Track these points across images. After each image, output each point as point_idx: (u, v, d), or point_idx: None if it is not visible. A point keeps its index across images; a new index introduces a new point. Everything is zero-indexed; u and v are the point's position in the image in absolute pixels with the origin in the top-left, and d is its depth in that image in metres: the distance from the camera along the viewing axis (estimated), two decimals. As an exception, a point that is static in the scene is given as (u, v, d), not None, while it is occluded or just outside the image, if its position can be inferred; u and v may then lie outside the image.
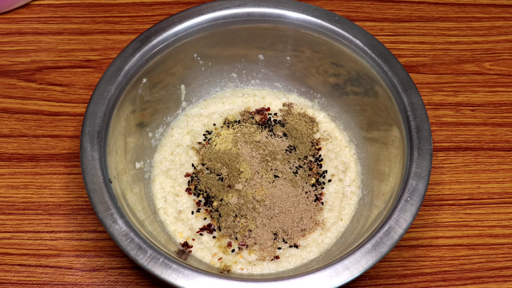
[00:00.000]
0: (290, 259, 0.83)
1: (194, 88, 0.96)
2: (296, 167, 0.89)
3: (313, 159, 0.92)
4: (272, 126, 0.94)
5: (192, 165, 0.90)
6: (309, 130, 0.94)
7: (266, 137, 0.92)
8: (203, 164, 0.90)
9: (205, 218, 0.86)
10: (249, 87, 0.99)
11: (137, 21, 1.07)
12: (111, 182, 0.77)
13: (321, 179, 0.90)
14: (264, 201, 0.85)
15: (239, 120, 0.95)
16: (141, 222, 0.78)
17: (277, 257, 0.83)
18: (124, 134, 0.85)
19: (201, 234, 0.85)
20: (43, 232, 0.87)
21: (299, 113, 0.96)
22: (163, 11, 1.08)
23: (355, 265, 0.71)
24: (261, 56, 0.95)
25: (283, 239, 0.84)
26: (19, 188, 0.90)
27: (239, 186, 0.86)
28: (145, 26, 1.05)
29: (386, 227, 0.74)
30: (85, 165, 0.76)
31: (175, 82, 0.93)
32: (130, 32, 1.05)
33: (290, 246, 0.84)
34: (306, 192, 0.87)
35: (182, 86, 0.94)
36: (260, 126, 0.94)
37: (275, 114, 0.96)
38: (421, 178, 0.77)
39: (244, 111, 0.96)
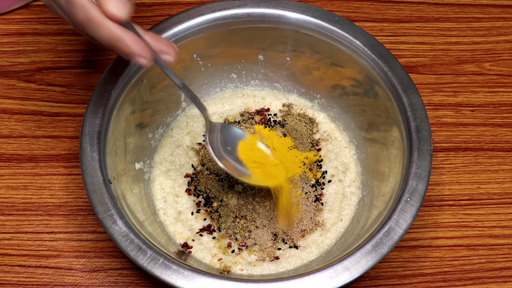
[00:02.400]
0: (290, 259, 0.83)
1: (193, 89, 0.95)
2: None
3: (313, 160, 0.92)
4: (272, 126, 0.94)
5: (192, 165, 0.90)
6: (309, 130, 0.94)
7: (266, 137, 0.92)
8: (203, 165, 0.90)
9: (205, 219, 0.86)
10: (249, 87, 0.99)
11: (136, 22, 1.05)
12: (110, 183, 0.77)
13: (321, 180, 0.90)
14: (264, 201, 0.85)
15: (239, 121, 0.95)
16: (141, 223, 0.78)
17: (277, 258, 0.83)
18: (123, 134, 0.85)
19: (201, 235, 0.85)
20: (42, 233, 0.87)
21: (299, 114, 0.96)
22: (162, 12, 1.08)
23: (355, 266, 0.71)
24: (261, 57, 0.95)
25: (283, 239, 0.84)
26: (18, 189, 0.90)
27: (239, 187, 0.86)
28: (144, 27, 1.05)
29: (386, 228, 0.74)
30: (85, 166, 0.76)
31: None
32: (130, 32, 1.05)
33: (290, 247, 0.84)
34: (306, 193, 0.87)
35: (182, 87, 0.94)
36: (260, 127, 0.94)
37: (275, 114, 0.96)
38: (421, 178, 0.77)
39: (244, 111, 0.96)
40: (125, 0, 0.68)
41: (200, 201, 0.87)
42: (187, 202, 0.87)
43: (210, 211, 0.86)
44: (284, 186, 0.82)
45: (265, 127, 0.94)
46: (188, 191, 0.88)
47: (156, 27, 0.87)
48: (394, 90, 0.84)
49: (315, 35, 0.89)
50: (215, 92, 0.98)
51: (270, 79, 0.98)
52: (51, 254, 0.86)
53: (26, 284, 0.84)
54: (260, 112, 0.96)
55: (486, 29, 1.09)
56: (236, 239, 0.84)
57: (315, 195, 0.88)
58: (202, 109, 0.80)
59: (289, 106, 0.97)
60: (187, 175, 0.90)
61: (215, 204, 0.87)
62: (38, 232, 0.87)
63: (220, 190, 0.87)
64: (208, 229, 0.85)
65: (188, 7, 0.91)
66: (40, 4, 1.07)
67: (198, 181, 0.89)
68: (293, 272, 0.81)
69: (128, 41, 0.68)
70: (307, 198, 0.87)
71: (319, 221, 0.86)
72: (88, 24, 0.67)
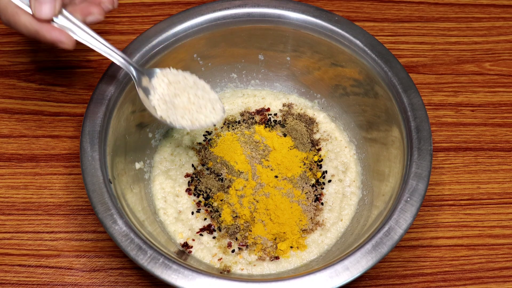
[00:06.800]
0: (290, 259, 0.83)
1: (194, 89, 0.95)
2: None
3: (313, 160, 0.92)
4: (272, 126, 0.94)
5: (192, 165, 0.90)
6: (309, 130, 0.94)
7: (266, 137, 0.92)
8: (203, 165, 0.90)
9: (205, 219, 0.86)
10: (249, 87, 0.99)
11: (137, 22, 1.07)
12: (111, 183, 0.77)
13: (321, 180, 0.90)
14: (264, 201, 0.85)
15: (239, 121, 0.95)
16: (141, 223, 0.78)
17: (277, 258, 0.83)
18: (124, 134, 0.85)
19: (201, 235, 0.85)
20: (43, 232, 0.87)
21: (299, 114, 0.96)
22: (163, 12, 1.08)
23: (355, 266, 0.71)
24: (261, 57, 0.95)
25: (283, 239, 0.84)
26: (19, 188, 0.90)
27: (239, 187, 0.86)
28: (145, 27, 1.05)
29: (386, 228, 0.74)
30: (85, 165, 0.76)
31: (175, 83, 0.93)
32: (130, 32, 1.05)
33: (290, 247, 0.84)
34: (306, 193, 0.87)
35: (182, 87, 0.94)
36: (260, 126, 0.94)
37: (275, 114, 0.96)
38: (421, 178, 0.77)
39: (244, 111, 0.96)
40: (51, 0, 0.73)
41: (200, 201, 0.88)
42: (187, 202, 0.88)
43: (210, 211, 0.86)
44: None
45: (265, 127, 0.94)
46: (188, 190, 0.88)
47: (156, 26, 0.87)
48: (394, 90, 0.84)
49: (315, 35, 0.89)
50: (215, 91, 0.97)
51: (270, 79, 0.98)
52: (51, 253, 0.86)
53: (26, 284, 0.84)
54: (260, 112, 0.96)
55: (486, 29, 1.09)
56: (236, 238, 0.84)
57: (315, 195, 0.88)
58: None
59: (289, 106, 0.97)
60: (187, 175, 0.90)
61: (215, 204, 0.87)
62: (38, 232, 0.88)
63: (220, 190, 0.87)
64: (208, 229, 0.85)
65: (188, 7, 0.91)
66: (40, 4, 1.07)
67: (198, 180, 0.89)
68: (293, 272, 0.81)
69: (45, 31, 0.73)
70: (307, 198, 0.87)
71: (319, 221, 0.86)
72: (9, 25, 0.75)
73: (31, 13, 0.73)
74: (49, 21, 0.74)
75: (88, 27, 0.76)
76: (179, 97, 0.79)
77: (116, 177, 0.80)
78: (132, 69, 0.79)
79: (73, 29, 0.75)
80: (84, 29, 0.76)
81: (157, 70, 0.80)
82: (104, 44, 0.77)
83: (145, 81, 0.79)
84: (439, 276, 0.86)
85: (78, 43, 0.75)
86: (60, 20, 0.74)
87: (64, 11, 0.75)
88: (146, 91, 0.79)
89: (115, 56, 0.78)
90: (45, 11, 0.72)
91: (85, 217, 0.89)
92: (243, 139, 0.91)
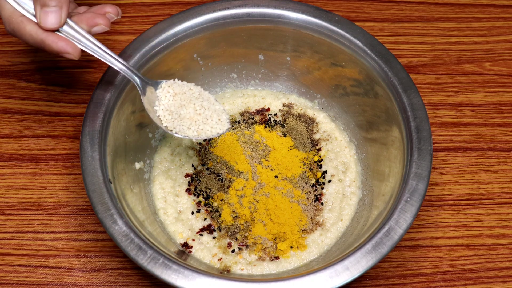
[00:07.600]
0: (290, 259, 0.83)
1: (194, 89, 0.95)
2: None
3: (313, 160, 0.92)
4: (272, 126, 0.94)
5: (192, 165, 0.90)
6: (309, 130, 0.94)
7: (266, 137, 0.92)
8: (203, 165, 0.90)
9: (205, 219, 0.86)
10: (249, 87, 0.99)
11: (137, 22, 1.07)
12: (111, 183, 0.77)
13: (321, 180, 0.90)
14: (264, 201, 0.85)
15: (239, 121, 0.95)
16: (141, 223, 0.78)
17: (277, 258, 0.83)
18: (124, 134, 0.85)
19: (201, 235, 0.85)
20: (43, 232, 0.87)
21: (299, 114, 0.96)
22: (163, 12, 1.08)
23: (355, 266, 0.71)
24: (261, 57, 0.95)
25: (283, 239, 0.84)
26: (19, 188, 0.90)
27: (239, 187, 0.86)
28: (145, 27, 1.05)
29: (386, 228, 0.74)
30: (85, 165, 0.76)
31: (175, 83, 0.92)
32: (130, 32, 1.05)
33: (290, 247, 0.84)
34: (306, 193, 0.87)
35: (182, 87, 0.94)
36: (260, 127, 0.94)
37: (275, 114, 0.96)
38: (421, 178, 0.77)
39: (244, 111, 0.96)
40: (56, 9, 0.73)
41: (200, 201, 0.88)
42: (187, 202, 0.88)
43: (210, 211, 0.87)
44: None
45: (265, 127, 0.94)
46: (188, 190, 0.88)
47: (156, 26, 0.87)
48: (394, 90, 0.84)
49: (316, 35, 0.89)
50: (215, 92, 0.98)
51: (270, 79, 0.98)
52: (51, 253, 0.86)
53: (26, 284, 0.84)
54: (260, 112, 0.96)
55: (486, 29, 1.09)
56: (236, 238, 0.84)
57: (315, 195, 0.88)
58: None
59: (289, 106, 0.97)
60: (187, 175, 0.90)
61: (215, 204, 0.87)
62: (38, 232, 0.88)
63: (220, 190, 0.87)
64: (208, 229, 0.85)
65: (188, 7, 0.91)
66: (40, 4, 1.07)
67: (198, 180, 0.89)
68: (293, 271, 0.81)
69: (51, 41, 0.73)
70: (307, 198, 0.87)
71: (319, 221, 0.86)
72: (14, 34, 0.75)
73: (36, 21, 0.73)
74: (55, 30, 0.74)
75: (92, 36, 0.76)
76: (185, 108, 0.79)
77: (116, 177, 0.80)
78: (137, 79, 0.79)
79: (78, 38, 0.75)
80: (89, 38, 0.76)
81: (163, 81, 0.80)
82: (108, 54, 0.77)
83: (150, 91, 0.79)
84: (439, 276, 0.86)
85: (82, 51, 0.76)
86: (65, 30, 0.75)
87: (69, 21, 0.75)
88: (151, 102, 0.79)
89: (119, 66, 0.78)
90: (51, 20, 0.73)
91: (85, 217, 0.89)
92: (243, 139, 0.91)
